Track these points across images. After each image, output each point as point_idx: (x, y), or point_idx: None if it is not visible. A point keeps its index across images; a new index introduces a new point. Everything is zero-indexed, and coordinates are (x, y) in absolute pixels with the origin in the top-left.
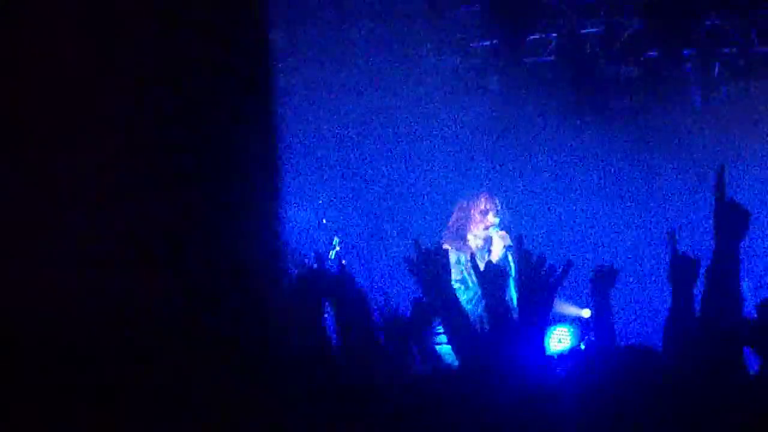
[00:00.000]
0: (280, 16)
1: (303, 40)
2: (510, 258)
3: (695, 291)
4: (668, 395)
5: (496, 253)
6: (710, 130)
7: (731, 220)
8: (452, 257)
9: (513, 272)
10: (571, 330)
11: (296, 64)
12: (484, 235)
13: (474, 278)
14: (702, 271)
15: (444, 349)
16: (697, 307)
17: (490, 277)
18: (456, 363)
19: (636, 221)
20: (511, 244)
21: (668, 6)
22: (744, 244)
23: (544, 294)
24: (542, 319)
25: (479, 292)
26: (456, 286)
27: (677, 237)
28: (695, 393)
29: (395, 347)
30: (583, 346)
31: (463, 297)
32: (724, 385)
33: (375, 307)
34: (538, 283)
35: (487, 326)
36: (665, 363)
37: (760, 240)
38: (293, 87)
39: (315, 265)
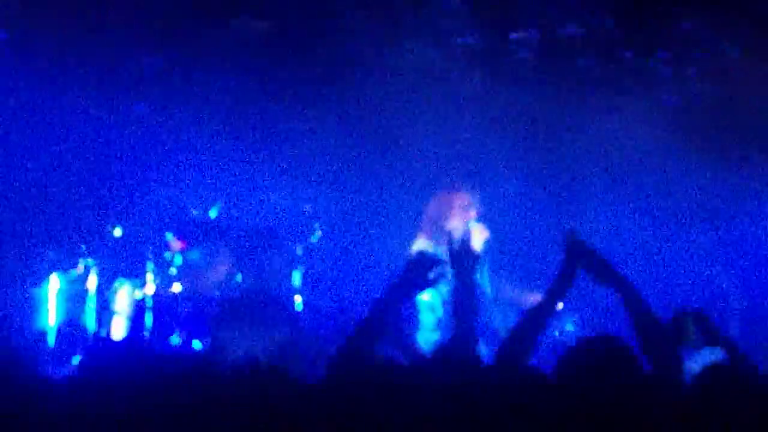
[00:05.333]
0: None
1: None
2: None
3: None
4: None
5: (476, 246)
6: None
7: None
8: (431, 249)
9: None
10: None
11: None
12: (464, 228)
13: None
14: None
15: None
16: None
17: (464, 259)
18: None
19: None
20: (490, 237)
21: (644, 9)
22: None
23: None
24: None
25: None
26: None
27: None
28: None
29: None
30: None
31: (443, 288)
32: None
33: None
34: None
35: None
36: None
37: None
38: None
39: None
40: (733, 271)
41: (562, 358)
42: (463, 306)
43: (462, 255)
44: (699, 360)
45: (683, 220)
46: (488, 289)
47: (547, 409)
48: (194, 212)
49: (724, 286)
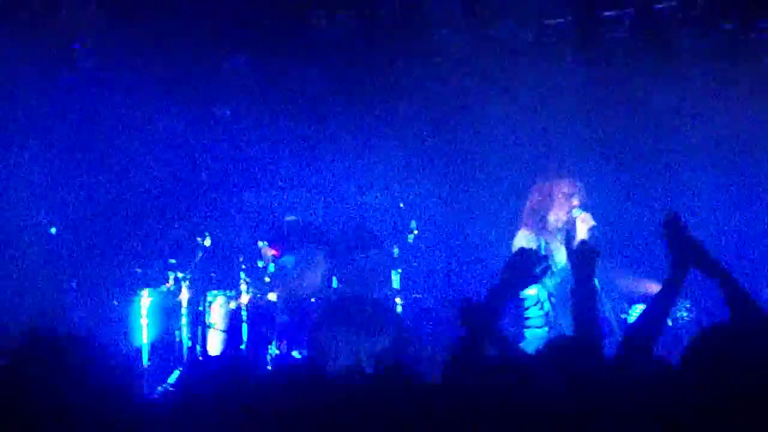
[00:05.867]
0: None
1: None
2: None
3: None
4: None
5: (581, 235)
6: None
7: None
8: (533, 241)
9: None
10: None
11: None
12: (567, 218)
13: (558, 263)
14: None
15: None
16: None
17: (583, 257)
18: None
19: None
20: (595, 225)
21: None
22: None
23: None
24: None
25: (566, 275)
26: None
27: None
28: None
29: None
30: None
31: (549, 282)
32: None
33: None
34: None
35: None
36: None
37: None
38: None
39: None
40: None
41: (690, 348)
42: (585, 304)
43: (581, 252)
44: None
45: None
46: (596, 280)
47: (680, 401)
48: (287, 218)
49: None
